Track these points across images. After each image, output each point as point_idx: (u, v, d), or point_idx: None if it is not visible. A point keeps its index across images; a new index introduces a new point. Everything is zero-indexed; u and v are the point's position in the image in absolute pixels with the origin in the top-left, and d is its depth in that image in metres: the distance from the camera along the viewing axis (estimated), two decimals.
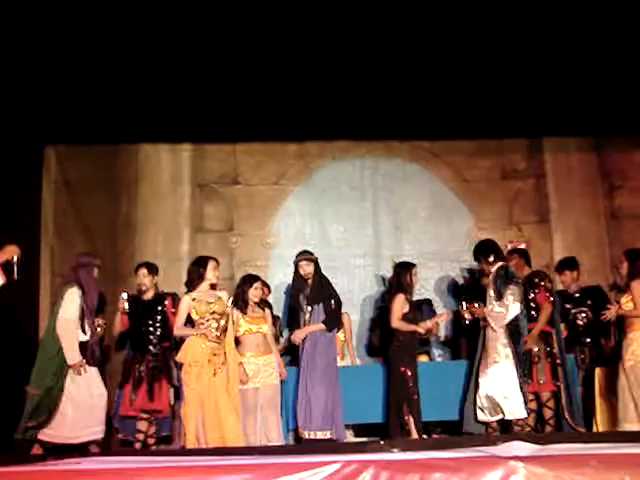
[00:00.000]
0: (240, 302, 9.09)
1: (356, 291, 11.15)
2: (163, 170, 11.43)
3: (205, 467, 4.88)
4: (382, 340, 10.02)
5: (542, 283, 9.55)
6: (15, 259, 7.39)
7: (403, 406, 9.03)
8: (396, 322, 9.25)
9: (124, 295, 9.40)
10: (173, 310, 9.17)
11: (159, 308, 9.40)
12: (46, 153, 10.92)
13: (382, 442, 7.96)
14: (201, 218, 11.45)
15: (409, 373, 9.05)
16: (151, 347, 9.28)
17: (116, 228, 11.18)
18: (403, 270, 9.48)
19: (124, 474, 4.76)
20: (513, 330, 8.92)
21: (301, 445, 8.67)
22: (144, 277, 9.46)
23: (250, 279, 9.34)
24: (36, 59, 9.61)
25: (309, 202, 11.58)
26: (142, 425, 9.22)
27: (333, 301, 9.46)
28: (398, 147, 11.73)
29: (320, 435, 8.89)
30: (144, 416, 9.20)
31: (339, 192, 11.61)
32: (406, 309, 9.28)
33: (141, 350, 9.30)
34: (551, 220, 11.57)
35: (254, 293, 9.21)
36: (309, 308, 9.28)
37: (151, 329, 9.35)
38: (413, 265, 9.55)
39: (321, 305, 9.28)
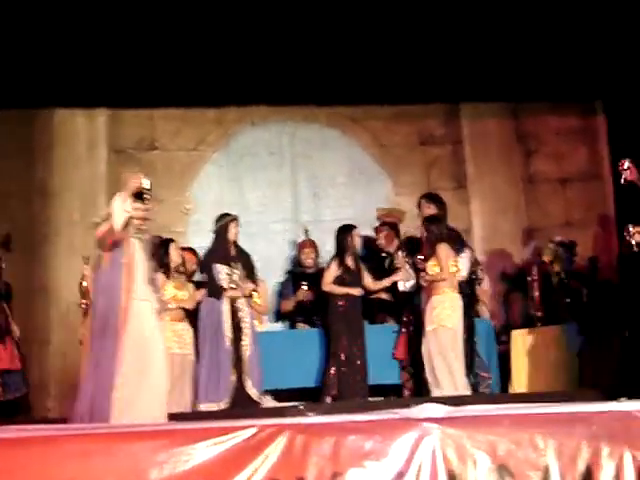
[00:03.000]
0: (163, 267, 9.03)
1: (274, 257, 11.13)
2: (79, 135, 11.30)
3: (120, 434, 4.86)
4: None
5: None
6: (144, 185, 7.03)
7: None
8: (326, 286, 9.35)
9: None
10: None
11: None
12: None
13: (301, 406, 8.04)
14: (118, 184, 11.30)
15: (342, 336, 9.12)
16: None
17: (31, 194, 11.03)
18: (342, 233, 9.51)
19: (35, 443, 4.74)
20: None
21: (215, 411, 8.65)
22: None
23: (166, 242, 9.27)
24: None
25: (228, 168, 11.57)
26: None
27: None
28: (316, 113, 11.74)
29: None
30: None
31: (258, 158, 11.60)
32: (339, 272, 9.33)
33: None
34: (468, 186, 11.68)
35: (174, 254, 9.19)
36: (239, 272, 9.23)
37: None
38: (353, 227, 9.57)
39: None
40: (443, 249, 8.89)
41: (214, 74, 10.71)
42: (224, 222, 9.31)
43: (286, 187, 11.53)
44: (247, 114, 11.68)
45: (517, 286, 10.70)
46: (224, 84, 10.88)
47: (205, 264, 9.41)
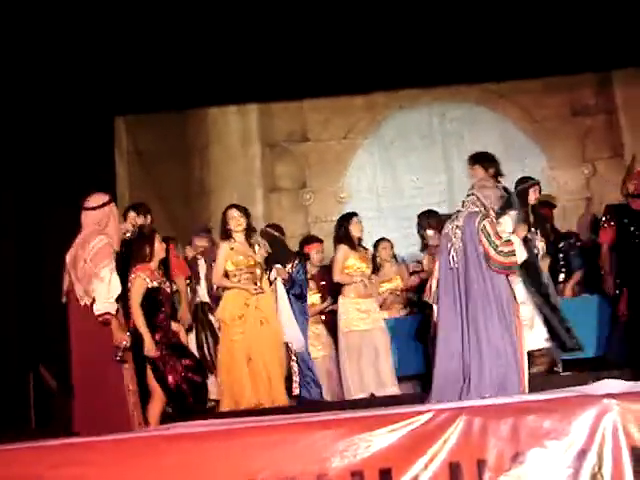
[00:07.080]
0: (346, 240, 8.84)
1: None
2: (232, 132, 11.53)
3: (300, 424, 4.93)
4: None
5: None
6: None
7: None
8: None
9: None
10: None
11: None
12: (116, 124, 11.03)
13: None
14: (273, 177, 11.53)
15: None
16: None
17: (191, 194, 11.33)
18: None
19: (219, 436, 4.85)
20: None
21: (386, 398, 8.64)
22: None
23: (348, 215, 9.09)
24: (99, 32, 9.65)
25: (379, 154, 11.60)
26: None
27: None
28: (465, 91, 11.67)
29: None
30: None
31: (409, 142, 11.59)
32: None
33: None
34: (625, 154, 11.41)
35: (355, 228, 8.99)
36: None
37: None
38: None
39: None
40: None
41: (360, 60, 10.73)
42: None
43: (439, 169, 11.48)
44: (395, 98, 11.69)
45: None
46: (370, 70, 10.89)
47: None
